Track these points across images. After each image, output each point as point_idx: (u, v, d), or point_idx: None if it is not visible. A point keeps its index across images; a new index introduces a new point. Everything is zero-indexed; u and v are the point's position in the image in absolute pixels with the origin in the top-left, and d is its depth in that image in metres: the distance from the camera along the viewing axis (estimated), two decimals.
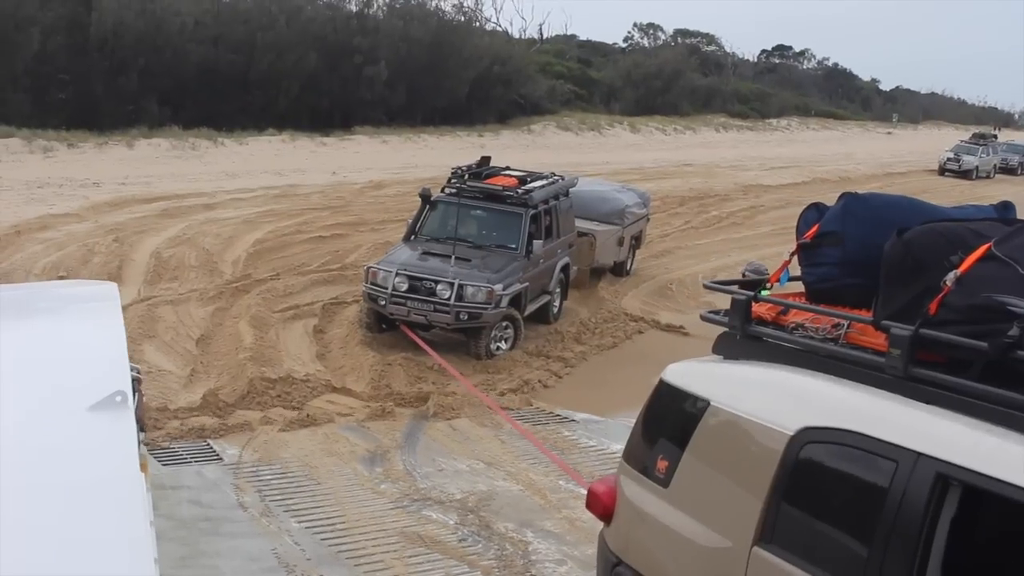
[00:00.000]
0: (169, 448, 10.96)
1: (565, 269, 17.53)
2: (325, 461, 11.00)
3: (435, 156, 36.57)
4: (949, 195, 36.90)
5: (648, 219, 23.01)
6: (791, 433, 5.14)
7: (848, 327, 5.33)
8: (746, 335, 5.87)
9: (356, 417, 12.46)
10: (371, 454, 11.31)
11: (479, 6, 56.35)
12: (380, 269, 15.15)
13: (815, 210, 6.16)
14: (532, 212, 16.19)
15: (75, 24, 37.02)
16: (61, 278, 16.37)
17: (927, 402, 4.73)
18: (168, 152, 32.21)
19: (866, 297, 5.39)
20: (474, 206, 16.36)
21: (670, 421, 6.12)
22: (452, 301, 14.68)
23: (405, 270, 15.00)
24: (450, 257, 15.11)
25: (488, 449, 11.76)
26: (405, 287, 14.88)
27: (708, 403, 5.72)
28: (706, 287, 6.41)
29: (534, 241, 15.95)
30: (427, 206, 16.50)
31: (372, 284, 15.12)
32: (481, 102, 48.92)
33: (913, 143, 73.66)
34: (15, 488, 3.58)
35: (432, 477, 10.82)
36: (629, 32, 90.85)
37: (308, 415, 12.26)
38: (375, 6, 48.90)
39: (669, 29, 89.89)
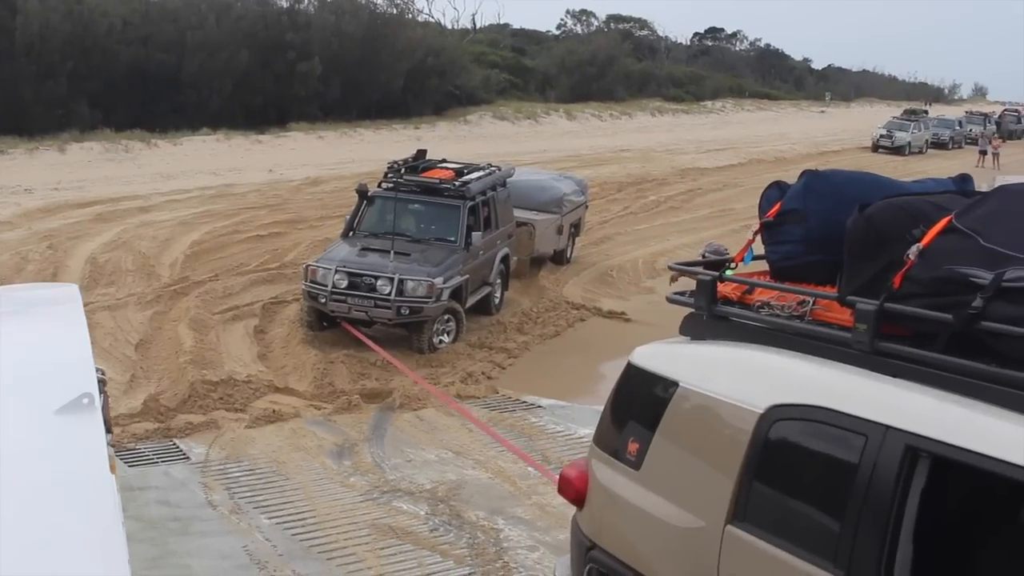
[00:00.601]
0: (135, 449, 10.88)
1: (505, 260, 17.54)
2: (293, 456, 10.98)
3: (372, 150, 36.42)
4: (883, 171, 36.51)
5: (587, 206, 23.07)
6: (760, 411, 5.15)
7: (813, 304, 5.36)
8: (712, 315, 5.86)
9: (304, 416, 12.35)
10: (339, 447, 11.30)
11: None
12: (319, 267, 15.07)
13: (777, 188, 6.17)
14: (470, 204, 16.17)
15: (0, 28, 36.40)
16: None
17: (894, 375, 4.77)
18: (101, 155, 31.77)
19: (830, 274, 5.43)
20: (411, 200, 16.34)
21: (639, 403, 6.09)
22: (392, 296, 14.64)
23: (344, 267, 14.93)
24: (389, 252, 15.06)
25: (456, 438, 11.76)
26: (345, 284, 14.82)
27: (677, 384, 5.69)
28: (671, 269, 6.35)
29: (473, 233, 15.94)
30: (364, 202, 16.44)
31: (311, 282, 15.04)
32: (416, 94, 48.74)
33: (846, 121, 74.49)
34: None
35: (401, 468, 10.83)
36: (562, 19, 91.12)
37: (274, 411, 12.28)
38: (306, 1, 48.57)
39: (602, 15, 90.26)
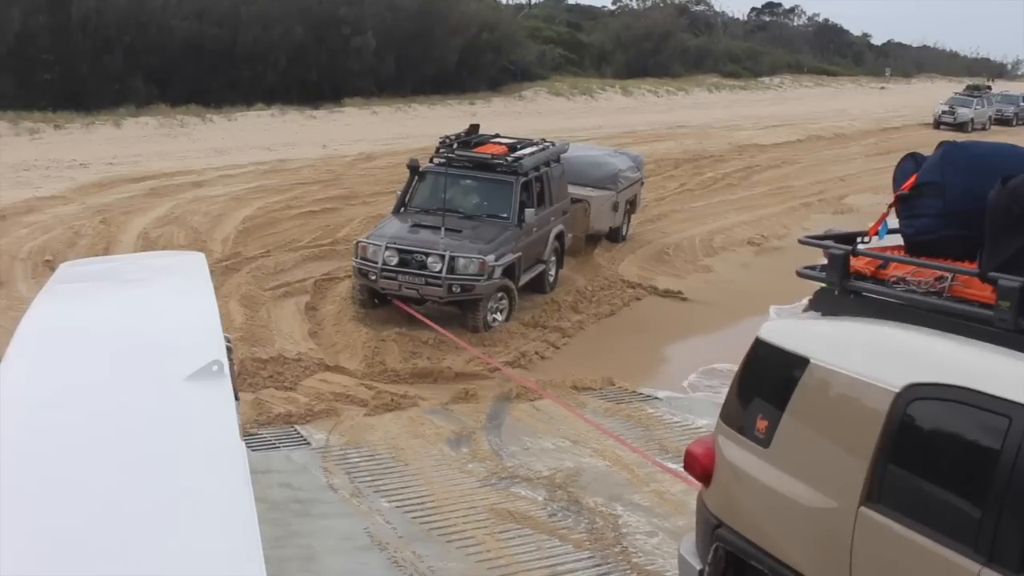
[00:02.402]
0: (257, 434, 10.94)
1: (560, 237, 17.28)
2: (411, 443, 11.01)
3: (426, 126, 36.20)
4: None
5: (642, 183, 22.73)
6: (896, 390, 5.03)
7: (952, 280, 5.24)
8: (845, 290, 5.78)
9: (422, 406, 12.25)
10: (456, 435, 11.30)
11: None
12: (369, 243, 14.89)
13: (912, 160, 6.08)
14: (523, 180, 15.91)
15: (56, 3, 36.46)
16: (47, 262, 16.12)
17: None
18: (156, 130, 31.81)
19: (969, 249, 5.31)
20: (463, 175, 16.11)
21: (768, 380, 6.04)
22: (444, 274, 14.43)
23: (395, 243, 14.74)
24: (440, 229, 14.83)
25: (573, 427, 11.64)
26: (395, 261, 14.63)
27: (808, 361, 5.62)
28: (801, 242, 6.28)
29: (526, 209, 15.68)
30: (415, 177, 16.24)
31: (362, 259, 14.87)
32: (471, 70, 48.46)
33: (907, 97, 73.28)
34: (119, 459, 3.73)
35: (518, 456, 10.83)
36: None
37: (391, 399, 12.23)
38: None
39: None
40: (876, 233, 6.03)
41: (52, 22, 36.24)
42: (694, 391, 13.54)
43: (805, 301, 16.62)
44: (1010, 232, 4.93)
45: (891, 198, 6.03)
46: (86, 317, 5.54)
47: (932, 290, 5.32)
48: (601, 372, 13.70)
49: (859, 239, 6.01)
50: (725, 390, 11.58)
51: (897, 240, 6.03)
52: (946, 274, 5.30)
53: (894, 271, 5.62)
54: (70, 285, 6.28)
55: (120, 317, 5.43)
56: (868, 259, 5.79)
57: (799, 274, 6.21)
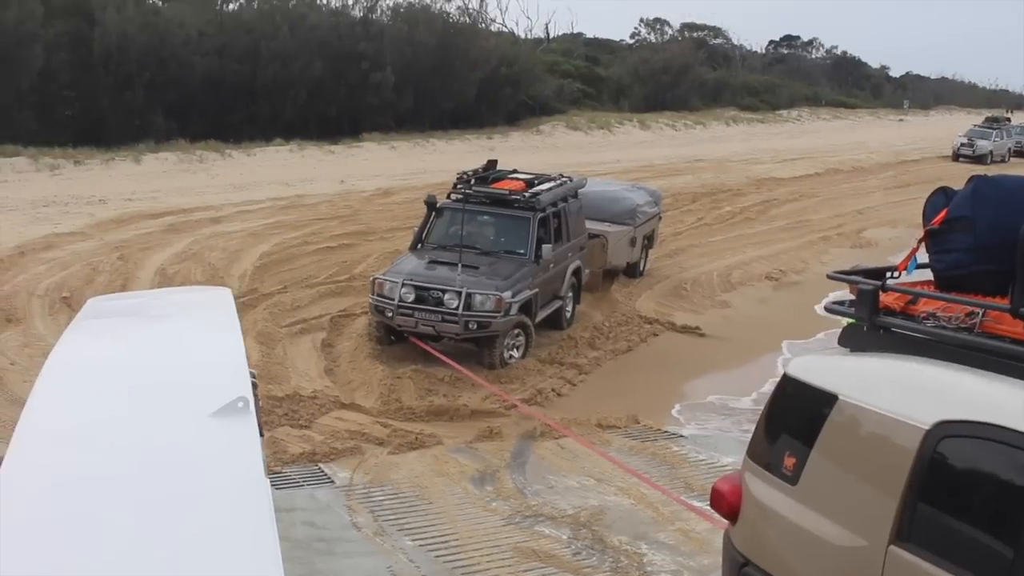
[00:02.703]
0: (281, 472, 10.91)
1: (577, 272, 17.22)
2: (435, 481, 10.97)
3: (444, 160, 36.28)
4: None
5: (660, 217, 22.69)
6: (927, 427, 4.98)
7: (983, 315, 5.20)
8: (874, 326, 5.76)
9: (446, 444, 12.20)
10: (481, 474, 11.26)
11: (484, 7, 55.97)
12: (386, 280, 14.87)
13: (942, 194, 6.05)
14: (540, 215, 15.89)
15: (78, 39, 36.87)
16: (64, 299, 16.15)
17: None
18: (175, 166, 31.95)
19: (1001, 284, 5.27)
20: (481, 211, 16.08)
21: (796, 416, 6.00)
22: (460, 310, 14.38)
23: (411, 280, 14.72)
24: (457, 265, 14.79)
25: (597, 465, 11.57)
26: (412, 298, 14.60)
27: (836, 397, 5.57)
28: (830, 277, 6.26)
29: (543, 245, 15.63)
30: (433, 213, 16.23)
31: (379, 296, 14.84)
32: (490, 104, 48.62)
33: (925, 129, 73.21)
34: (144, 494, 3.74)
35: (543, 494, 10.78)
36: (636, 28, 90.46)
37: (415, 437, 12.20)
38: (379, 11, 48.74)
39: (676, 23, 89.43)
40: (905, 268, 6.01)
41: (74, 58, 36.61)
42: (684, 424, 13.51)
43: (821, 335, 16.58)
44: None
45: (919, 232, 6.01)
46: (113, 352, 5.59)
47: (963, 326, 5.29)
48: (619, 409, 13.63)
49: (888, 274, 5.96)
50: (713, 424, 11.59)
51: (927, 275, 5.98)
52: (977, 310, 5.26)
53: (924, 307, 5.60)
54: (97, 320, 6.35)
55: (146, 352, 5.47)
56: (897, 294, 5.76)
57: (828, 310, 6.19)
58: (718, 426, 13.60)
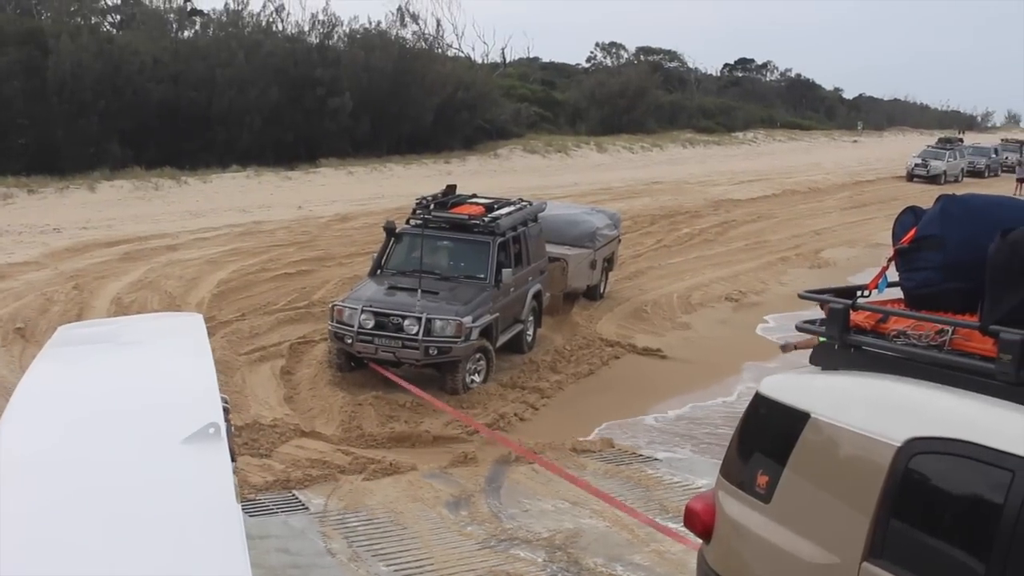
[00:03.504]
0: (254, 499, 10.81)
1: (537, 296, 17.19)
2: (410, 507, 10.95)
3: (402, 185, 36.24)
4: (920, 200, 36.41)
5: (619, 240, 22.74)
6: (898, 444, 5.00)
7: (953, 333, 5.21)
8: (845, 344, 5.76)
9: (421, 470, 12.14)
10: (455, 498, 11.24)
11: (440, 32, 55.99)
12: (345, 306, 14.78)
13: (911, 214, 6.11)
14: (500, 240, 15.85)
15: (31, 68, 36.47)
16: (18, 331, 15.92)
17: None
18: (131, 194, 31.65)
19: (970, 302, 5.32)
20: (440, 237, 16.03)
21: (768, 435, 6.02)
22: (420, 336, 14.30)
23: (371, 306, 14.62)
24: (417, 291, 14.71)
25: (572, 489, 11.52)
26: (371, 324, 14.51)
27: (808, 415, 5.60)
28: (801, 297, 6.29)
29: (503, 270, 15.59)
30: (392, 239, 16.15)
31: (338, 322, 14.74)
32: (447, 129, 48.58)
33: (879, 150, 74.03)
34: (116, 520, 3.74)
35: (518, 518, 10.77)
36: (592, 52, 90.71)
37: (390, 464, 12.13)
38: (335, 37, 48.61)
39: (631, 47, 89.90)
40: (876, 287, 6.04)
41: (27, 86, 36.22)
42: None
43: (781, 356, 16.68)
44: (1010, 284, 4.93)
45: (882, 252, 6.05)
46: (83, 379, 5.61)
47: (933, 343, 5.30)
48: (581, 433, 13.63)
49: (859, 293, 5.98)
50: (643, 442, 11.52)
51: (897, 294, 6.01)
52: (947, 327, 5.28)
53: (894, 325, 5.61)
54: (68, 348, 6.34)
55: (118, 379, 5.50)
56: (868, 313, 5.78)
57: (799, 328, 6.18)
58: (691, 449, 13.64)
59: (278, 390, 14.82)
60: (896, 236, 6.00)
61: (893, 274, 6.03)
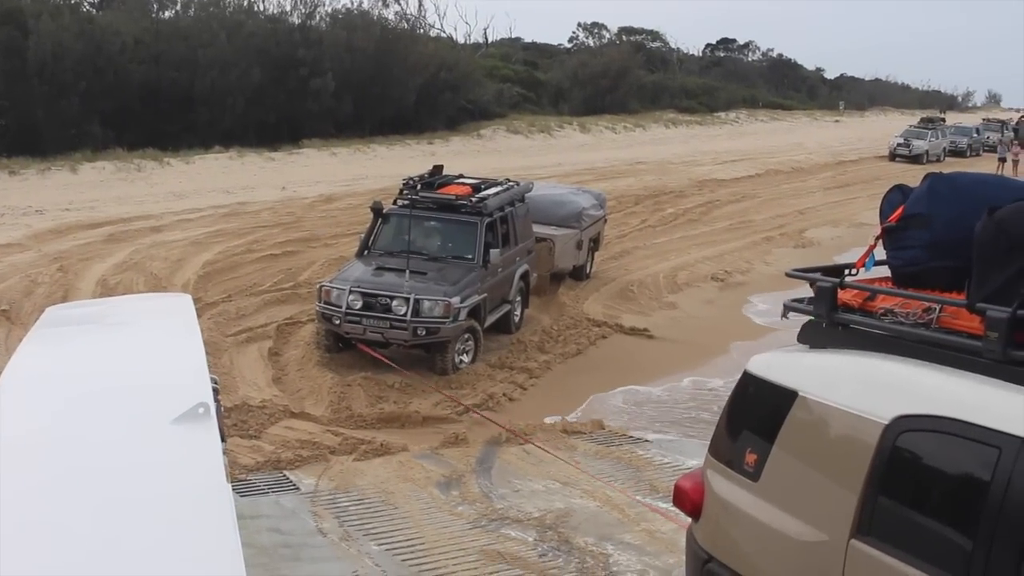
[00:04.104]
0: (246, 479, 10.79)
1: (525, 277, 17.18)
2: (401, 487, 10.93)
3: (386, 166, 36.18)
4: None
5: (605, 220, 22.74)
6: (886, 422, 5.01)
7: (940, 311, 5.22)
8: (832, 323, 5.77)
9: (412, 450, 12.14)
10: (446, 479, 11.21)
11: (422, 13, 55.92)
12: (333, 287, 14.74)
13: (899, 192, 6.09)
14: (487, 220, 15.83)
15: (12, 49, 36.19)
16: (3, 312, 15.84)
17: None
18: (113, 175, 31.48)
19: (957, 279, 5.31)
20: (427, 217, 15.98)
21: (756, 413, 6.02)
22: (408, 317, 14.28)
23: (359, 287, 14.59)
24: (405, 271, 14.68)
25: (563, 470, 11.53)
26: (359, 304, 14.47)
27: (796, 394, 5.61)
28: (789, 275, 6.25)
29: (491, 250, 15.57)
30: (379, 219, 16.10)
31: (326, 303, 14.70)
32: (430, 109, 48.47)
33: (861, 130, 74.15)
34: (105, 500, 3.73)
35: (508, 498, 10.76)
36: (574, 32, 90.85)
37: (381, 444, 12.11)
38: (317, 17, 48.43)
39: (614, 27, 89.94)
40: (863, 265, 6.04)
41: (7, 67, 35.95)
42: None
43: (769, 335, 16.71)
44: (997, 262, 4.92)
45: (866, 231, 6.04)
46: (72, 360, 5.57)
47: (920, 321, 5.30)
48: (568, 413, 13.71)
49: (847, 271, 6.00)
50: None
51: (885, 272, 6.01)
52: (934, 305, 5.28)
53: (882, 303, 5.60)
54: (57, 328, 6.30)
55: (106, 360, 5.46)
56: (856, 291, 5.78)
57: (787, 306, 6.17)
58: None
59: (266, 371, 14.77)
60: (884, 214, 6.00)
61: (881, 253, 6.04)
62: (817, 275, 5.98)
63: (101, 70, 37.74)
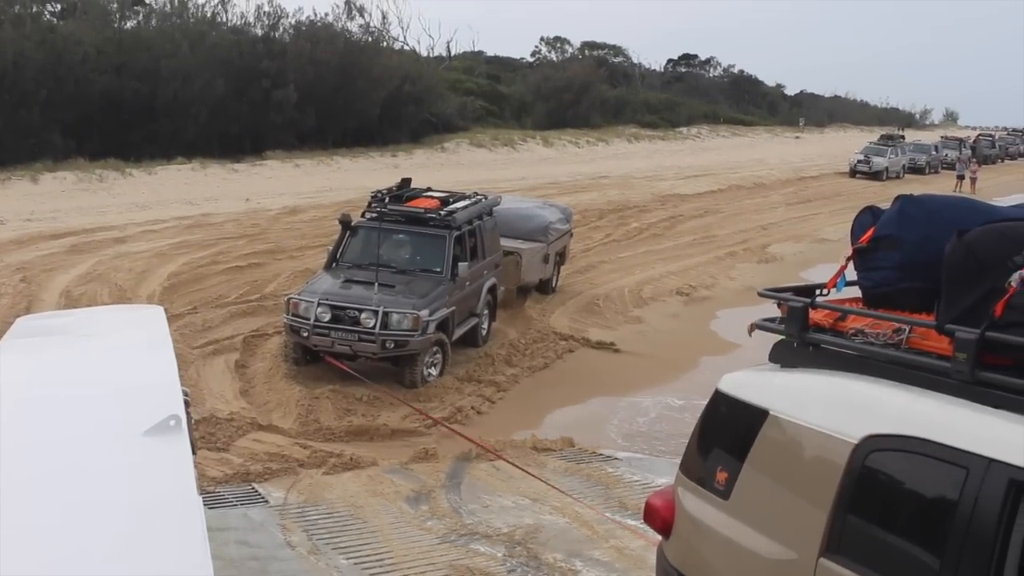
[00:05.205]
0: (214, 492, 10.69)
1: (492, 290, 17.19)
2: (370, 501, 10.84)
3: (349, 179, 36.17)
4: (863, 196, 37.23)
5: (571, 234, 22.78)
6: (855, 442, 5.01)
7: (910, 332, 5.22)
8: (803, 342, 5.77)
9: (381, 465, 12.05)
10: (416, 494, 11.12)
11: (386, 25, 55.81)
12: (301, 300, 14.68)
13: (869, 213, 6.09)
14: (456, 234, 15.83)
15: None
16: None
17: (996, 406, 4.60)
18: (75, 185, 31.26)
19: (926, 301, 5.33)
20: (396, 230, 15.98)
21: (727, 432, 6.02)
22: (377, 329, 14.25)
23: (327, 299, 14.55)
24: (373, 284, 14.66)
25: (532, 486, 11.47)
26: (328, 317, 14.43)
27: (767, 413, 5.60)
28: (761, 295, 6.25)
29: (459, 263, 15.58)
30: (347, 232, 16.06)
31: (294, 315, 14.64)
32: (393, 122, 48.46)
33: (821, 146, 74.87)
34: (74, 512, 3.69)
35: (478, 513, 10.68)
36: (537, 46, 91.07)
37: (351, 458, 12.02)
38: (281, 29, 48.32)
39: (576, 42, 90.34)
40: (835, 285, 6.05)
41: None
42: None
43: (736, 351, 16.79)
44: (966, 284, 4.95)
45: (837, 249, 6.10)
46: (42, 371, 5.52)
47: (890, 342, 5.30)
48: (536, 428, 13.66)
49: (818, 291, 6.04)
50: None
51: (855, 292, 6.06)
52: (903, 326, 5.28)
53: (852, 323, 5.60)
54: (27, 339, 6.24)
55: (77, 371, 5.41)
56: (826, 311, 5.79)
57: (757, 326, 6.18)
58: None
59: (233, 383, 14.69)
60: (855, 235, 6.01)
61: (852, 273, 6.09)
62: (789, 295, 6.02)
63: (62, 79, 37.46)
